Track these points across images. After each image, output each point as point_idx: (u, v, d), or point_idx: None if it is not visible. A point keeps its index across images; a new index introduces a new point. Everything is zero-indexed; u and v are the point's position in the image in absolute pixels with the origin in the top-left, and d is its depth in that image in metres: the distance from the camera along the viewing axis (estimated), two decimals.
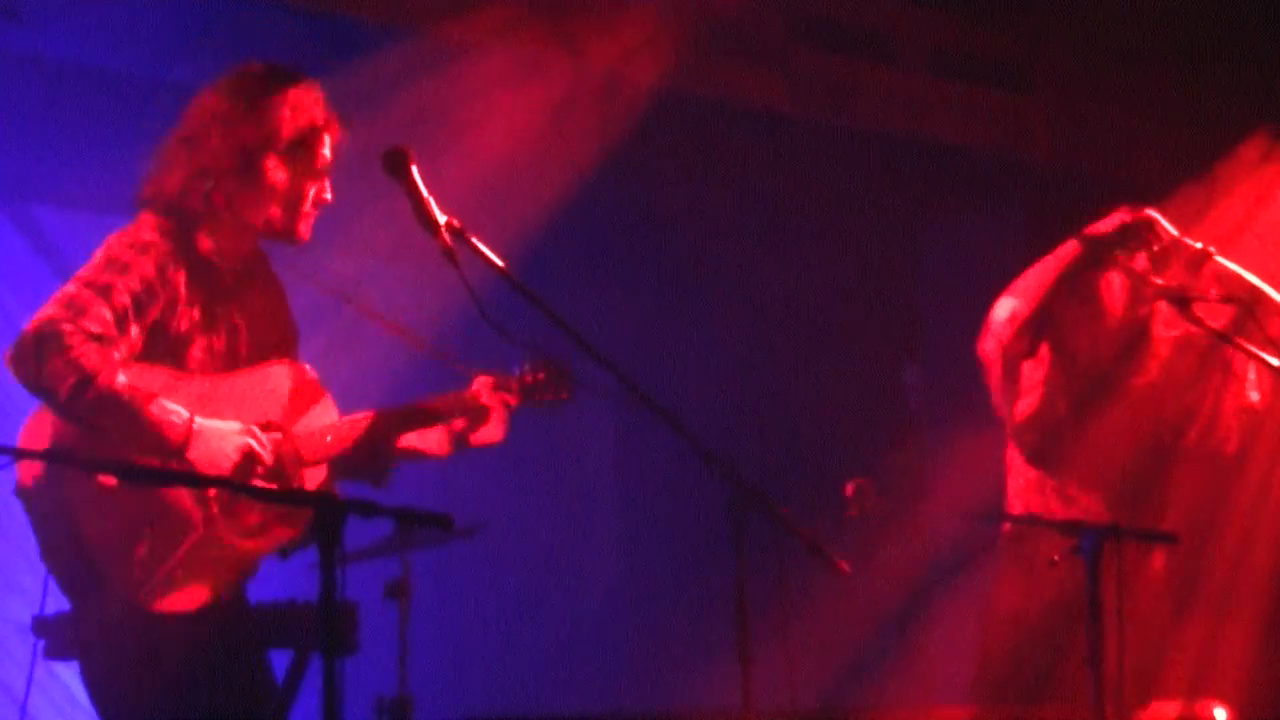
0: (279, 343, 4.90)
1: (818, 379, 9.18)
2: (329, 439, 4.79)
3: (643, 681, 8.91)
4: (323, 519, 3.79)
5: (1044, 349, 6.04)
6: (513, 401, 5.08)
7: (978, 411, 6.16)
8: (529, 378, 5.11)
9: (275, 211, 4.75)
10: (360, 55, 6.82)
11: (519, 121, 7.51)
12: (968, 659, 6.19)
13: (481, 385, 5.05)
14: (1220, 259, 5.90)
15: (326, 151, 4.81)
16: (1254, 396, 6.01)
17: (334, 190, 4.84)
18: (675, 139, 8.05)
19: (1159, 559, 5.93)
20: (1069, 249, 5.95)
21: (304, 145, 4.75)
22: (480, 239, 4.53)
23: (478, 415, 5.06)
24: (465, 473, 5.39)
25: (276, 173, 4.73)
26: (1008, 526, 5.99)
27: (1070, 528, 5.03)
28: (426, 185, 4.54)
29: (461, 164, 7.01)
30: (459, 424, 5.06)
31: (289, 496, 4.34)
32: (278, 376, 4.79)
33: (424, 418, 4.99)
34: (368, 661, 5.39)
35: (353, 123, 4.88)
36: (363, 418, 4.87)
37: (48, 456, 4.29)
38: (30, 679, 5.08)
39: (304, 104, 4.76)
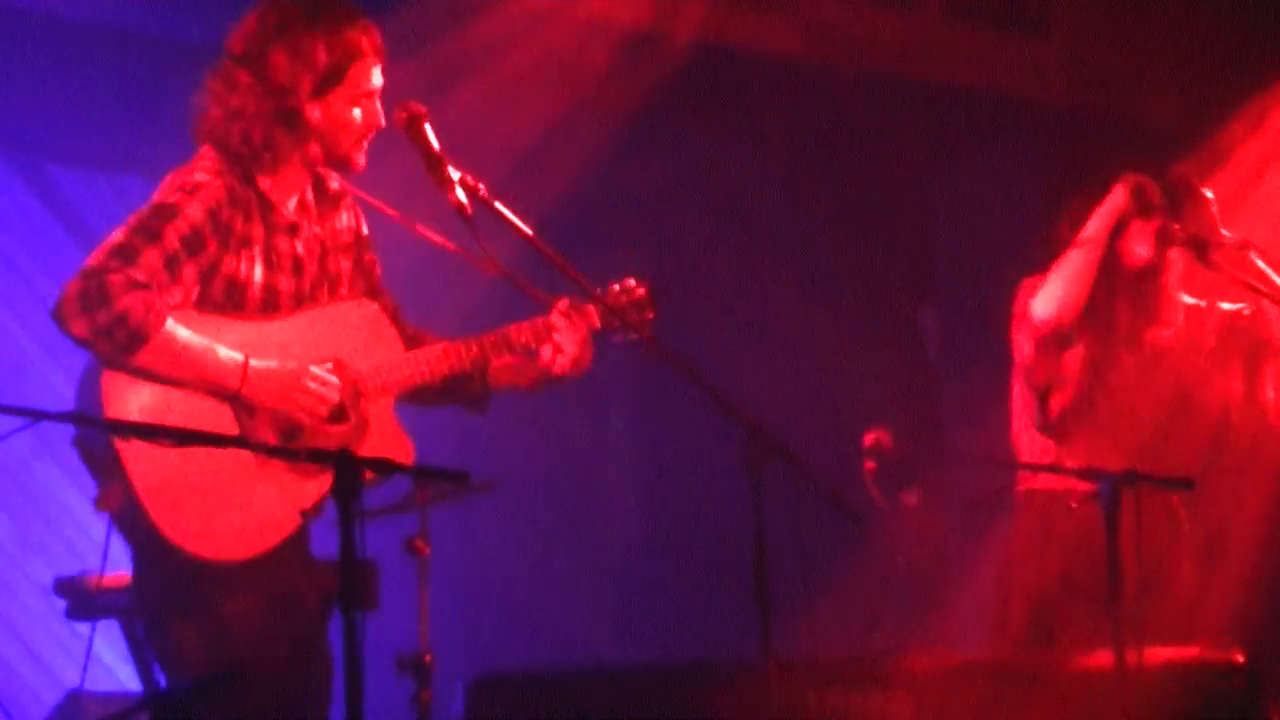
0: (352, 278, 4.83)
1: (833, 324, 9.17)
2: (393, 376, 4.69)
3: (663, 634, 8.93)
4: (341, 477, 3.79)
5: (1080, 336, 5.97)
6: (594, 323, 4.86)
7: (994, 355, 6.15)
8: (610, 299, 4.90)
9: (321, 145, 4.65)
10: (383, 8, 6.79)
11: (530, 76, 7.50)
12: (987, 607, 6.20)
13: (560, 309, 4.84)
14: (1256, 257, 5.84)
15: (373, 78, 4.67)
16: (1270, 394, 5.99)
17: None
18: (689, 88, 8.03)
19: (1177, 506, 5.93)
20: (1110, 212, 5.86)
21: (342, 75, 4.61)
22: (500, 200, 4.52)
23: (558, 340, 4.83)
24: (483, 427, 5.37)
25: (314, 110, 4.61)
26: (1024, 480, 5.98)
27: (1088, 474, 5.04)
28: (443, 143, 4.54)
29: (476, 120, 6.99)
30: (544, 357, 4.84)
31: (307, 454, 4.32)
32: (343, 314, 4.72)
33: (499, 347, 4.82)
34: (388, 618, 5.42)
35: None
36: (430, 353, 4.76)
37: (64, 418, 4.27)
38: (89, 650, 5.12)
39: (339, 35, 4.62)
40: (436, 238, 4.79)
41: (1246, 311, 5.99)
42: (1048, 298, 5.82)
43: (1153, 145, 6.21)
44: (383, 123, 4.69)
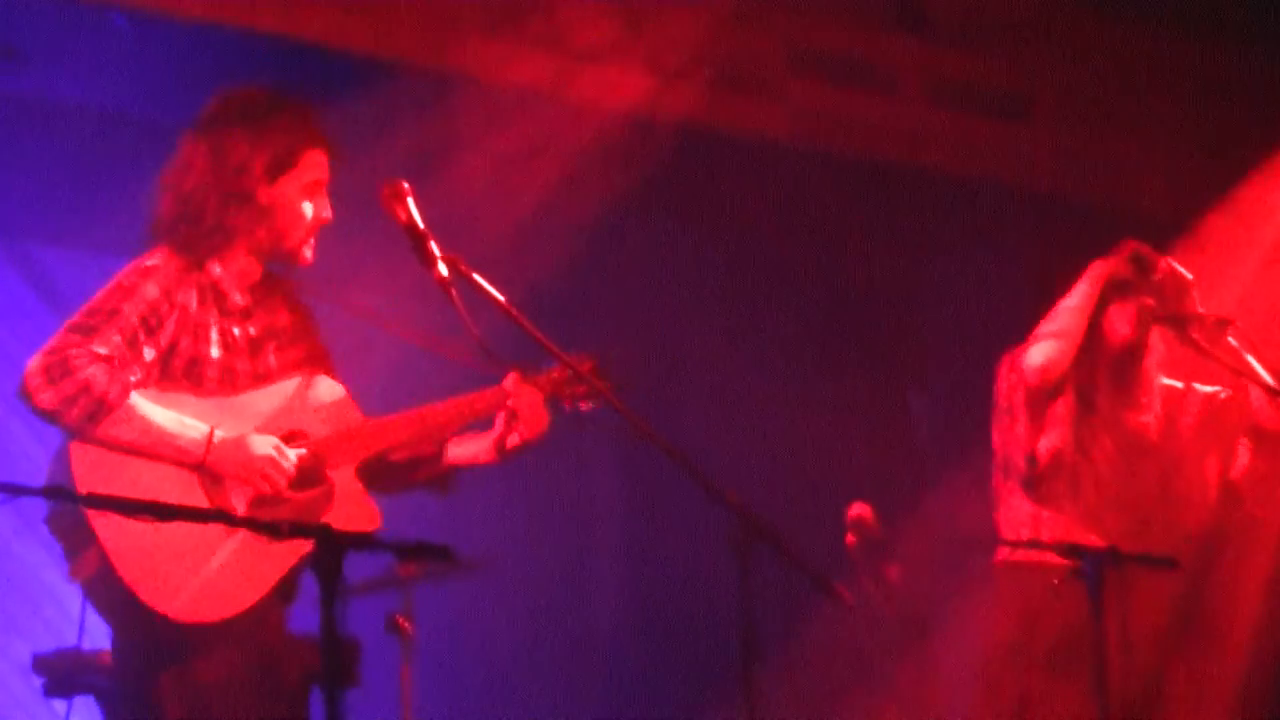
0: (306, 360, 4.86)
1: (823, 412, 9.17)
2: (354, 442, 4.73)
3: (648, 716, 8.88)
4: (323, 553, 3.78)
5: (1068, 385, 5.98)
6: (545, 390, 4.89)
7: (982, 437, 6.14)
8: (559, 372, 4.92)
9: (271, 234, 4.72)
10: (361, 92, 6.82)
11: (513, 159, 7.52)
12: (969, 687, 6.17)
13: (512, 380, 4.88)
14: (1232, 339, 5.85)
15: (319, 169, 4.76)
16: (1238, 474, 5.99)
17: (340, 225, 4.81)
18: (677, 172, 8.05)
19: (1159, 586, 5.91)
20: (1099, 275, 5.89)
21: (295, 159, 4.72)
22: (480, 274, 4.54)
23: (512, 411, 4.87)
24: (467, 505, 5.37)
25: (265, 193, 4.69)
26: (1004, 554, 5.96)
27: (1071, 551, 5.03)
28: (430, 221, 4.56)
29: (455, 202, 7.02)
30: (498, 427, 4.89)
31: (291, 530, 4.31)
32: (301, 389, 4.76)
33: (459, 414, 4.85)
34: (370, 696, 5.39)
35: (348, 158, 4.87)
36: (390, 421, 4.80)
37: (45, 494, 4.27)
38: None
39: (287, 124, 4.73)
40: (404, 330, 4.86)
41: (1223, 395, 6.00)
42: (1040, 350, 5.84)
43: (1138, 231, 6.22)
44: (330, 216, 4.78)
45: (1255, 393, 5.85)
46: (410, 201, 4.60)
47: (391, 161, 4.90)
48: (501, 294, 4.54)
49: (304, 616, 4.32)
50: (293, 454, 4.63)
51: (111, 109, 7.09)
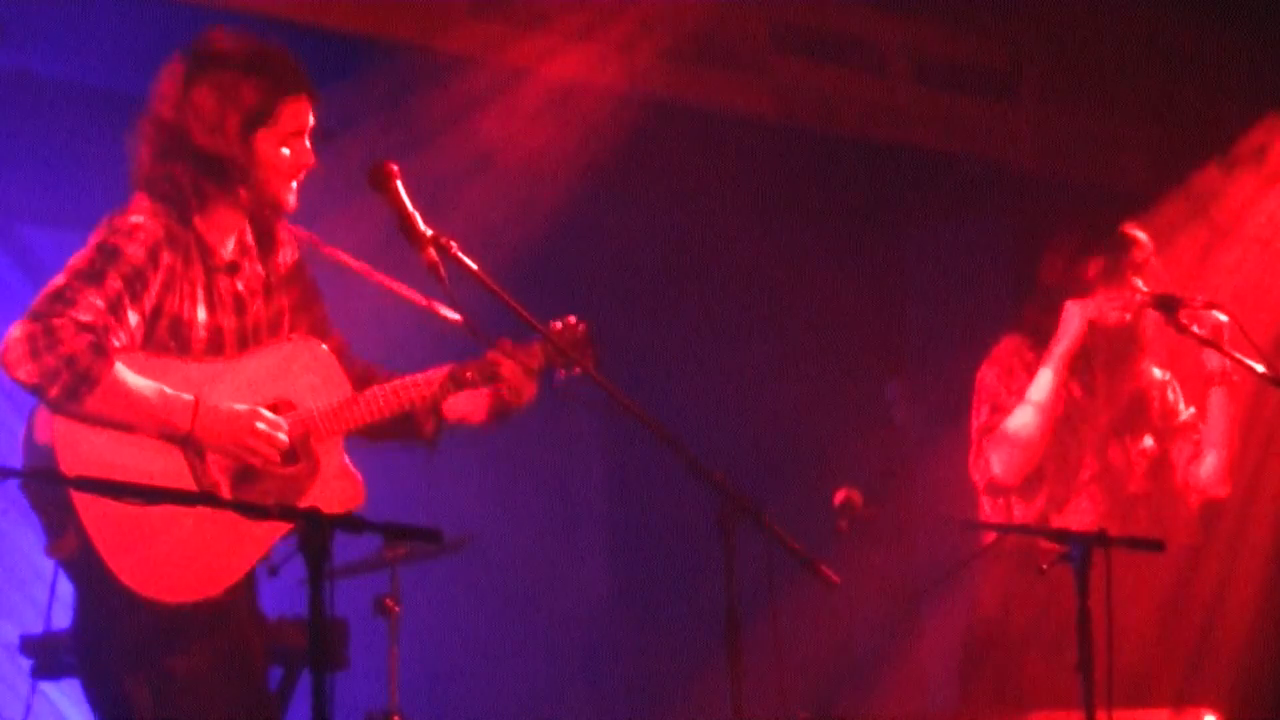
0: (296, 319, 4.81)
1: (802, 391, 9.18)
2: (342, 416, 4.66)
3: (633, 695, 8.90)
4: (310, 535, 3.78)
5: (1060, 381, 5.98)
6: (538, 359, 4.84)
7: (962, 423, 6.16)
8: (552, 335, 4.85)
9: (249, 188, 4.62)
10: (347, 72, 6.82)
11: (502, 138, 7.52)
12: (954, 668, 6.19)
13: (502, 347, 4.83)
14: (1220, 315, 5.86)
15: (300, 115, 4.65)
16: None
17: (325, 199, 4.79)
18: (657, 149, 8.06)
19: (1148, 566, 5.93)
20: (1076, 336, 5.87)
21: (265, 120, 4.60)
22: (467, 254, 4.54)
23: (501, 378, 4.83)
24: (452, 485, 5.38)
25: (241, 150, 4.59)
26: (991, 536, 5.97)
27: (1058, 535, 5.04)
28: (412, 201, 4.55)
29: (445, 181, 7.02)
30: (489, 390, 4.86)
31: (276, 512, 4.30)
32: (290, 354, 4.69)
33: (448, 385, 4.79)
34: (357, 677, 5.40)
35: (340, 140, 4.83)
36: (379, 393, 4.73)
37: (31, 476, 4.25)
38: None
39: (260, 77, 4.60)
40: (397, 285, 4.81)
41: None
42: (1001, 457, 5.84)
43: (1122, 209, 6.23)
44: (313, 162, 4.68)
45: (1211, 355, 5.86)
46: (398, 183, 4.58)
47: (378, 141, 4.86)
48: (487, 273, 4.53)
49: (292, 598, 4.33)
50: (282, 424, 4.56)
51: (97, 85, 7.06)
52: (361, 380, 4.80)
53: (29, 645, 5.77)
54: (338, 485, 4.67)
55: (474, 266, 4.54)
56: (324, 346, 4.75)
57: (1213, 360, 5.87)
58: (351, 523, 4.06)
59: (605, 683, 9.06)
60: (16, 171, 7.48)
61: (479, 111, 7.43)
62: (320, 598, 3.73)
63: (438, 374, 4.79)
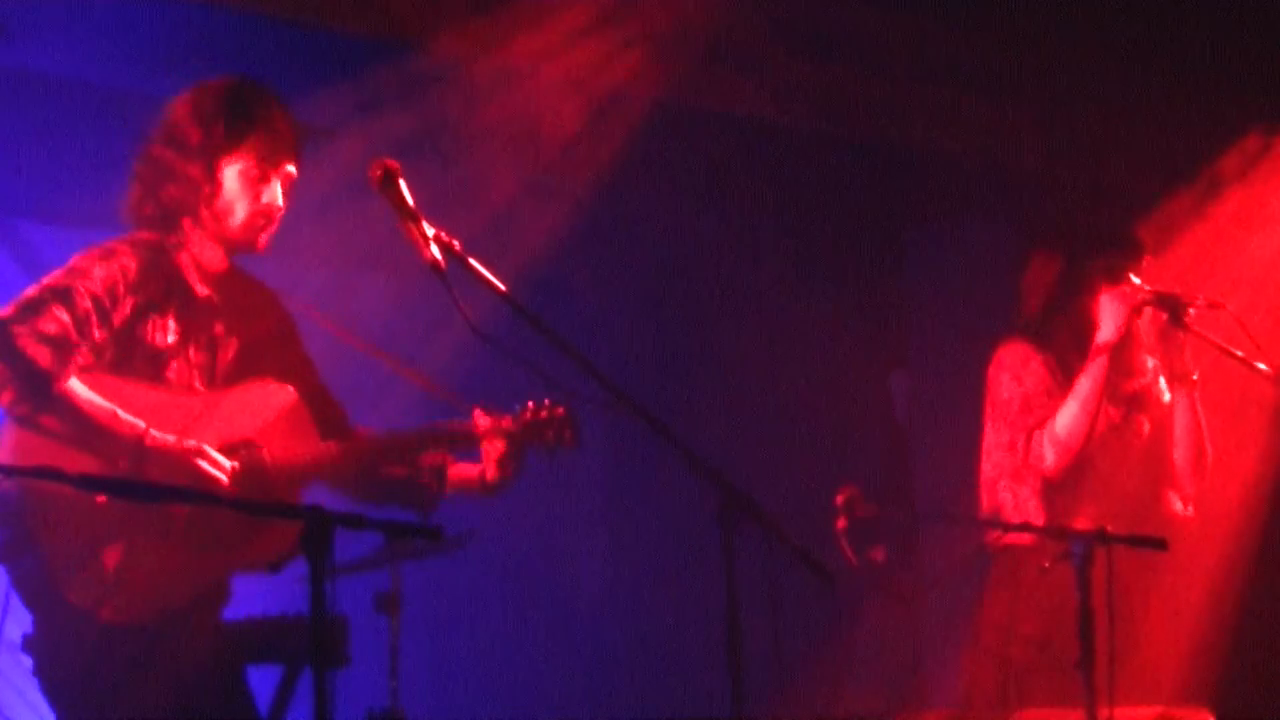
0: (273, 363, 4.84)
1: (805, 387, 9.18)
2: (300, 464, 4.71)
3: (634, 692, 8.90)
4: (312, 532, 3.78)
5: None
6: (511, 429, 4.96)
7: (965, 419, 6.15)
8: (529, 415, 5.01)
9: (213, 216, 4.70)
10: (349, 70, 6.82)
11: (506, 136, 7.52)
12: (958, 666, 6.19)
13: (479, 416, 4.96)
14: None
15: (269, 155, 4.73)
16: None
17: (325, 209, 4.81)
18: (658, 148, 8.05)
19: (1148, 565, 5.93)
20: (1114, 335, 5.85)
21: (232, 148, 4.69)
22: (474, 256, 4.53)
23: (476, 445, 4.97)
24: None
25: (214, 184, 4.68)
26: (995, 536, 5.97)
27: (1060, 534, 5.04)
28: (416, 202, 4.55)
29: (449, 182, 7.02)
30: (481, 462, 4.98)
31: (281, 510, 4.31)
32: (260, 396, 4.73)
33: (414, 444, 4.91)
34: (359, 674, 5.40)
35: (343, 137, 4.86)
36: (342, 448, 4.80)
37: (29, 475, 4.25)
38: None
39: (236, 108, 4.70)
40: (365, 346, 4.87)
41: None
42: (1057, 451, 5.82)
43: (1127, 209, 6.23)
44: (281, 205, 4.75)
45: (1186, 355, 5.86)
46: (401, 182, 4.58)
47: (369, 146, 4.86)
48: (493, 274, 4.53)
49: (294, 595, 4.32)
50: (224, 465, 4.58)
51: (98, 83, 7.07)
52: (336, 428, 4.83)
53: (30, 643, 5.76)
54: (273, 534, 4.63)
55: (480, 268, 4.53)
56: (293, 392, 4.76)
57: (1183, 361, 5.86)
58: (352, 519, 4.07)
59: (607, 680, 9.06)
60: (16, 168, 7.48)
61: (479, 111, 7.42)
62: (321, 595, 3.73)
63: (410, 434, 4.90)
